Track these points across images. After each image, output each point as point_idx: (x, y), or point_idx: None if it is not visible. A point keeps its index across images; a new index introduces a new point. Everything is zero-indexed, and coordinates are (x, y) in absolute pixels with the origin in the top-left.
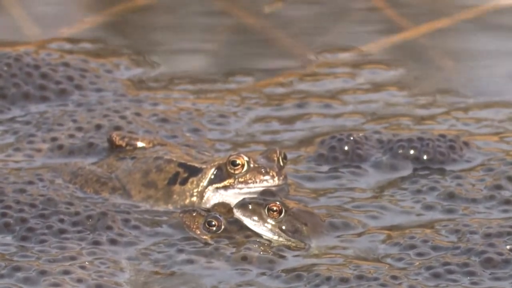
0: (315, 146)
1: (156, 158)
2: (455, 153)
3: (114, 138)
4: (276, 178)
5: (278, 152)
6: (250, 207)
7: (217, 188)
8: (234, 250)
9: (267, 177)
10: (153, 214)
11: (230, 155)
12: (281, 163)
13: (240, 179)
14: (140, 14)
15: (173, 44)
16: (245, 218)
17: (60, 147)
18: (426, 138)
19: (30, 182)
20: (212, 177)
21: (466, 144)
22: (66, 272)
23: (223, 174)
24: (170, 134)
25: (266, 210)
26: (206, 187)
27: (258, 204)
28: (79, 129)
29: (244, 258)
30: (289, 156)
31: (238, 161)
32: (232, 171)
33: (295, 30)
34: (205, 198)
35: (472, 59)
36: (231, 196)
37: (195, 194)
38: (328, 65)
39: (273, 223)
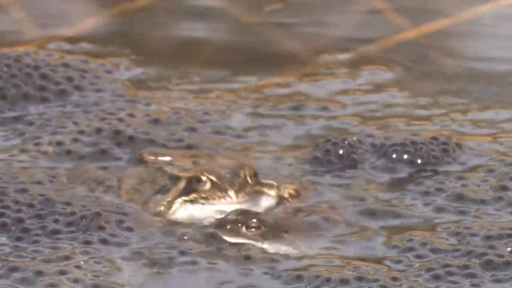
0: (310, 149)
1: (158, 169)
2: (449, 156)
3: (145, 158)
4: (234, 197)
5: (246, 168)
6: (228, 227)
7: (185, 201)
8: (235, 250)
9: (225, 194)
10: (150, 215)
11: (197, 170)
12: (249, 180)
13: (202, 195)
14: (140, 15)
15: (173, 44)
16: (227, 238)
17: (62, 149)
18: (419, 142)
19: (33, 183)
20: (183, 189)
21: (458, 145)
22: (63, 272)
23: (191, 187)
24: (168, 134)
25: (245, 228)
26: (176, 198)
27: (236, 223)
28: (79, 131)
29: (247, 258)
30: (284, 158)
31: (202, 177)
32: (197, 186)
33: (295, 30)
34: (172, 209)
35: (472, 59)
36: (196, 211)
37: (165, 203)
38: (327, 66)
39: (255, 237)
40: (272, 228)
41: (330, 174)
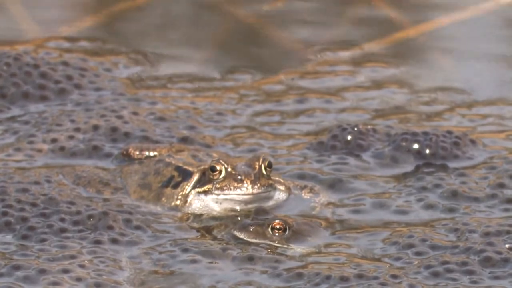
0: (314, 138)
1: (158, 161)
2: (459, 150)
3: (131, 153)
4: (250, 187)
5: (260, 160)
6: (251, 229)
7: (199, 192)
8: (240, 250)
9: (241, 185)
10: (155, 214)
11: (212, 161)
12: (264, 171)
13: (217, 185)
14: (138, 13)
15: (172, 42)
16: (250, 240)
17: (60, 147)
18: (431, 133)
19: (35, 182)
20: (197, 181)
21: (472, 141)
22: (66, 271)
23: (205, 179)
24: (166, 132)
25: (270, 230)
26: (190, 190)
27: (260, 225)
28: (78, 129)
29: (250, 259)
30: (288, 148)
31: (217, 167)
32: (211, 176)
33: (295, 28)
34: (188, 202)
35: (472, 58)
36: (210, 201)
37: (179, 197)
38: (328, 63)
39: (279, 239)
40: (296, 232)
41: (335, 163)
